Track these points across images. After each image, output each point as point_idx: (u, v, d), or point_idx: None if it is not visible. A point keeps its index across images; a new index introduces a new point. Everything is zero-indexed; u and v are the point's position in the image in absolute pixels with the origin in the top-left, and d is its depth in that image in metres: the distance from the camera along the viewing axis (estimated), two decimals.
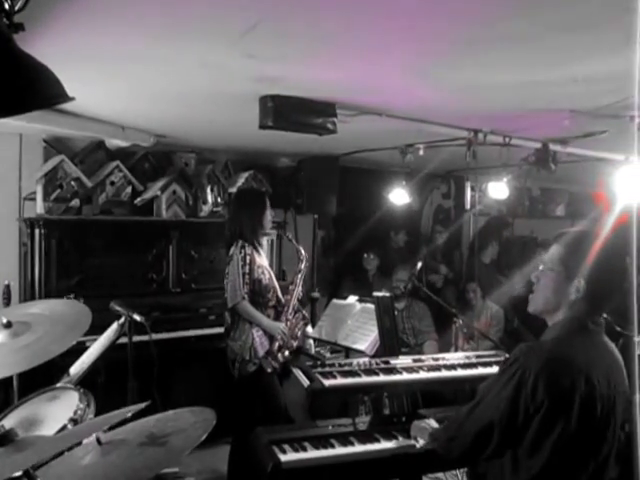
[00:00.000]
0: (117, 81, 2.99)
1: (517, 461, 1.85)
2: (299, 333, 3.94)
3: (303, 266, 4.03)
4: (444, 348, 4.73)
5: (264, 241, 4.09)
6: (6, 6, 1.26)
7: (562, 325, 1.91)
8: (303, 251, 4.10)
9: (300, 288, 3.99)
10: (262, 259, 3.89)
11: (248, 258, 3.74)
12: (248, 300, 3.72)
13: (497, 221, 6.88)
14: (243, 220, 3.85)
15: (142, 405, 1.67)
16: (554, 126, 3.84)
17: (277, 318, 3.86)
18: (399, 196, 5.04)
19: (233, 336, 3.80)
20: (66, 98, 1.31)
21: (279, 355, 3.75)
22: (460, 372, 3.08)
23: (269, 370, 3.72)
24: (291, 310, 3.90)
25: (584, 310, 1.88)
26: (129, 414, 1.61)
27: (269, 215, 3.91)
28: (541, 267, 1.98)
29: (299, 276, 3.99)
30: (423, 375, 3.00)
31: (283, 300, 3.93)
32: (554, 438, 1.78)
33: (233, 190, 5.08)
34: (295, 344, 3.90)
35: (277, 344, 3.76)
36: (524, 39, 2.25)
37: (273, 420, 3.55)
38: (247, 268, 3.72)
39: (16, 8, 1.30)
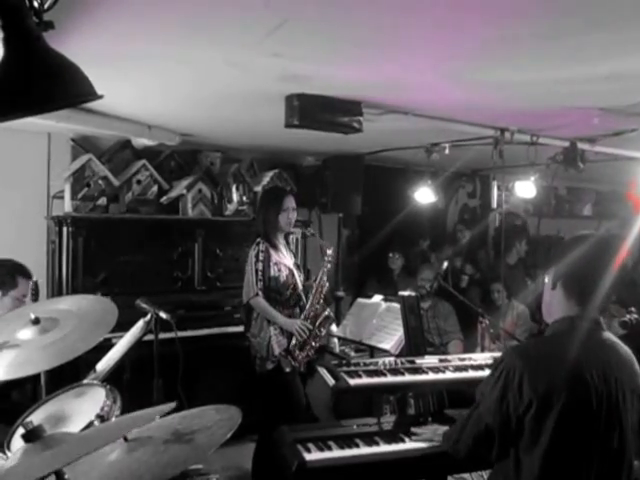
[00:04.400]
0: (144, 81, 3.01)
1: (519, 461, 1.85)
2: (322, 332, 3.86)
3: (328, 262, 3.93)
4: (469, 348, 4.69)
5: (289, 239, 4.07)
6: (35, 4, 1.27)
7: (552, 326, 1.95)
8: (329, 246, 4.03)
9: (326, 284, 3.90)
10: (281, 256, 3.86)
11: (262, 255, 3.73)
12: (263, 296, 3.70)
13: (510, 219, 6.78)
14: (260, 219, 3.88)
15: (172, 405, 1.67)
16: (583, 124, 3.79)
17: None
18: (424, 195, 5.01)
19: (253, 332, 3.79)
20: (95, 96, 1.32)
21: (298, 354, 3.71)
22: (487, 372, 3.03)
23: (287, 369, 3.68)
24: (312, 307, 3.82)
25: (575, 308, 1.90)
26: (158, 417, 1.61)
27: (287, 216, 3.84)
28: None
29: (323, 271, 3.89)
30: (449, 375, 2.96)
31: (304, 299, 3.88)
32: (548, 436, 1.76)
33: (258, 189, 5.10)
34: (316, 344, 3.81)
35: (296, 342, 3.70)
36: (554, 36, 2.21)
37: (293, 419, 3.53)
38: (260, 265, 3.71)
39: (45, 6, 1.31)
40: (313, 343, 3.79)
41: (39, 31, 1.29)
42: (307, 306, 3.83)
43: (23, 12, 1.27)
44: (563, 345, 1.85)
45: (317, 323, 3.81)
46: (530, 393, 1.76)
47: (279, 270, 3.79)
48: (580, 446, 1.78)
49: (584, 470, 1.78)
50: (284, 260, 3.88)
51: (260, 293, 3.70)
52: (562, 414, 1.75)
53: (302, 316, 3.79)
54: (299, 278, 3.94)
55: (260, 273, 3.71)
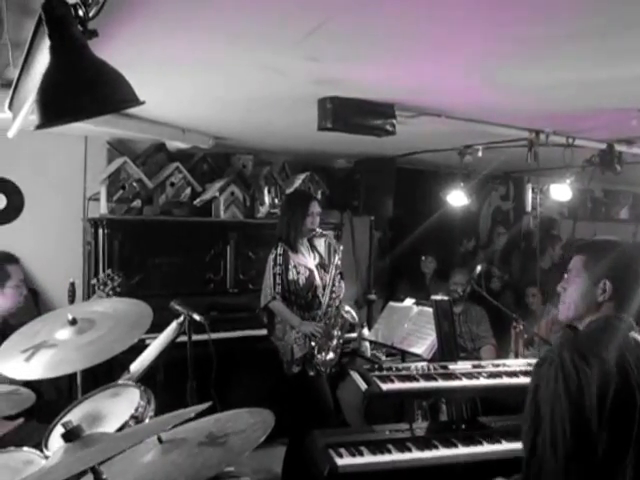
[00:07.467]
0: (179, 85, 3.04)
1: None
2: (336, 333, 3.79)
3: (336, 259, 3.88)
4: (502, 353, 4.63)
5: (313, 241, 4.05)
6: (81, 13, 1.30)
7: (590, 325, 1.97)
8: (338, 245, 4.04)
9: (339, 283, 3.87)
10: (300, 257, 3.86)
11: (280, 258, 3.74)
12: (280, 300, 3.70)
13: (544, 223, 6.66)
14: (284, 221, 3.89)
15: (204, 406, 1.69)
16: (620, 126, 3.72)
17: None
18: (456, 198, 4.96)
19: (278, 336, 3.80)
20: (137, 102, 1.34)
21: (319, 357, 3.67)
22: (522, 380, 2.97)
23: (311, 373, 3.68)
24: (325, 308, 3.79)
25: (612, 310, 1.94)
26: (192, 414, 1.62)
27: (311, 220, 3.84)
28: (566, 276, 2.07)
29: (335, 265, 3.86)
30: (483, 382, 2.93)
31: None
32: (606, 422, 1.77)
33: (290, 191, 5.10)
34: (337, 346, 3.77)
35: (315, 345, 3.68)
36: (591, 37, 2.18)
37: (320, 423, 3.51)
38: (278, 269, 3.72)
39: (90, 15, 1.33)
40: (332, 345, 3.74)
41: (84, 39, 1.32)
42: (323, 306, 3.80)
43: (69, 21, 1.30)
44: (605, 340, 1.88)
45: (332, 323, 3.77)
46: (590, 379, 1.78)
47: (298, 273, 3.79)
48: (625, 434, 1.80)
49: (629, 458, 1.80)
50: (304, 261, 3.87)
51: (277, 297, 3.71)
52: (615, 399, 1.77)
53: (317, 317, 3.78)
54: (321, 279, 3.89)
55: (278, 277, 3.73)
